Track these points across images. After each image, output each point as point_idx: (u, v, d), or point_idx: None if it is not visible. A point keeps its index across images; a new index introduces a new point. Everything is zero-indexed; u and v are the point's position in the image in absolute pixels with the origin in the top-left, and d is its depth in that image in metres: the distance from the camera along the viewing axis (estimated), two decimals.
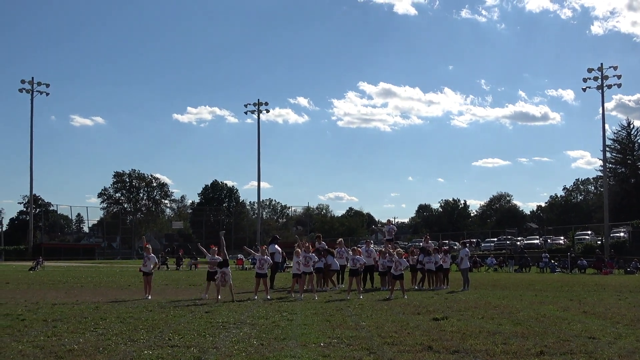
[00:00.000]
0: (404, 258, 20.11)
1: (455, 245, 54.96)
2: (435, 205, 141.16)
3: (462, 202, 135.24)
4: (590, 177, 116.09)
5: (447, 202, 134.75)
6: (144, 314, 13.43)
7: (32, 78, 75.78)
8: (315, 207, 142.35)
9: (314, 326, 11.53)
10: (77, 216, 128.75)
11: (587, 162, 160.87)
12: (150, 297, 17.86)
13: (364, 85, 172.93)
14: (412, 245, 43.86)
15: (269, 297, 18.08)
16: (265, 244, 23.45)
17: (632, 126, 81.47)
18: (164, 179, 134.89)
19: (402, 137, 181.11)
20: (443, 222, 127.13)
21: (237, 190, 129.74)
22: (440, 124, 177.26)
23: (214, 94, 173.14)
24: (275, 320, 12.47)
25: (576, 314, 13.93)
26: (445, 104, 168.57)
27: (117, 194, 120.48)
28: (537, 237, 70.54)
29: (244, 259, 50.15)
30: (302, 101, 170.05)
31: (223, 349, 9.02)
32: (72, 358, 8.35)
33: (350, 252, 20.42)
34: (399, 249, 21.56)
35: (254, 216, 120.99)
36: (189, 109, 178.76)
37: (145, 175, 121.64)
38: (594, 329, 11.34)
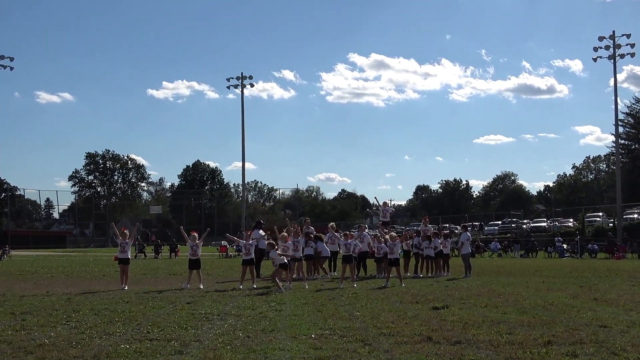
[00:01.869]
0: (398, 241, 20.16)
1: (457, 229, 55.17)
2: (435, 186, 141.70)
3: (464, 182, 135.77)
4: (602, 155, 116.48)
5: (447, 183, 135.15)
6: (120, 306, 13.44)
7: None
8: (304, 189, 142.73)
9: (304, 317, 11.58)
10: (46, 201, 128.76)
11: (597, 139, 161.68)
12: (126, 288, 17.86)
13: (355, 57, 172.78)
14: (409, 229, 43.96)
15: (255, 286, 18.12)
16: (250, 229, 23.50)
17: None
18: (140, 160, 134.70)
19: (396, 113, 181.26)
20: (443, 204, 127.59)
21: (221, 172, 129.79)
22: (438, 99, 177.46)
23: (191, 67, 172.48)
24: (263, 310, 12.51)
25: (586, 302, 14.04)
26: (443, 76, 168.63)
27: (89, 177, 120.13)
28: (545, 219, 70.85)
29: (227, 246, 50.23)
30: (288, 74, 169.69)
31: (206, 342, 9.04)
32: (43, 353, 8.34)
33: (342, 238, 20.50)
34: (393, 232, 21.62)
35: (238, 199, 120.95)
36: (165, 83, 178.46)
37: (120, 156, 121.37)
38: (605, 317, 11.43)
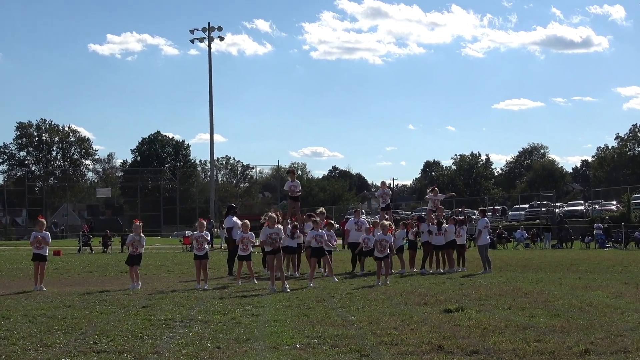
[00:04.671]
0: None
1: (474, 214, 55.36)
2: (447, 162, 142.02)
3: (482, 157, 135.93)
4: None
5: (462, 158, 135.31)
6: (61, 311, 13.43)
7: None
8: (287, 166, 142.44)
9: (287, 323, 11.62)
10: None
11: None
12: (44, 288, 17.97)
13: (345, 3, 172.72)
14: (415, 214, 43.99)
15: (206, 286, 18.11)
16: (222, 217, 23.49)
17: None
18: (84, 131, 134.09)
19: (397, 72, 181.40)
20: (457, 184, 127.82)
21: (189, 146, 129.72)
22: (449, 54, 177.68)
23: (142, 16, 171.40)
24: (236, 315, 12.54)
25: (632, 302, 14.14)
26: (454, 26, 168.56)
27: (21, 153, 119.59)
28: (582, 202, 71.14)
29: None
30: (262, 25, 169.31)
31: (166, 354, 9.06)
32: None
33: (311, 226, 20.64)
34: (384, 221, 21.55)
35: (206, 180, 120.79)
36: (110, 37, 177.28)
37: (59, 126, 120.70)
38: None
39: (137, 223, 19.09)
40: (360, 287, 17.95)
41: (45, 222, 19.22)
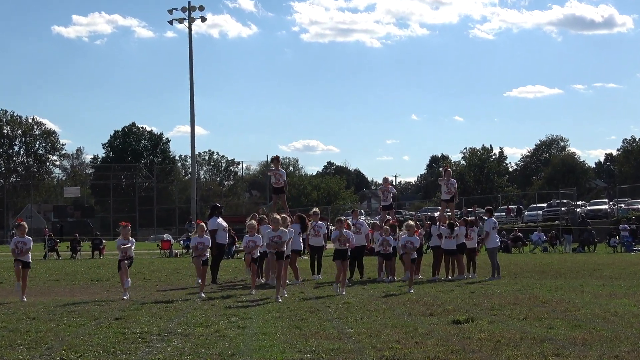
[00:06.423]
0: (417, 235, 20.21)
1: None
2: (455, 157, 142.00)
3: (495, 151, 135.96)
4: None
5: (472, 152, 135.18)
6: (24, 323, 13.41)
7: None
8: None
9: (277, 336, 11.62)
10: None
11: None
12: (25, 299, 17.85)
13: None
14: (423, 214, 44.07)
15: (202, 295, 18.12)
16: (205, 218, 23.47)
17: None
18: (49, 124, 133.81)
19: (398, 56, 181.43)
20: (467, 181, 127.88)
21: (168, 140, 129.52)
22: (455, 36, 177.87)
23: None
24: (220, 328, 12.53)
25: None
26: (460, 5, 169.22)
27: None
28: (606, 200, 71.17)
29: (172, 241, 50.15)
30: (246, 4, 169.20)
31: None
32: None
33: (332, 227, 20.62)
34: (410, 221, 21.45)
35: (186, 177, 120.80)
36: (76, 17, 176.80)
37: (22, 118, 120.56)
38: None
39: (125, 225, 18.88)
40: (359, 296, 17.96)
41: (26, 226, 19.09)
